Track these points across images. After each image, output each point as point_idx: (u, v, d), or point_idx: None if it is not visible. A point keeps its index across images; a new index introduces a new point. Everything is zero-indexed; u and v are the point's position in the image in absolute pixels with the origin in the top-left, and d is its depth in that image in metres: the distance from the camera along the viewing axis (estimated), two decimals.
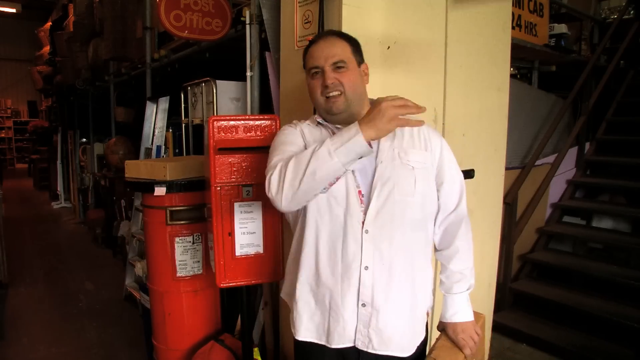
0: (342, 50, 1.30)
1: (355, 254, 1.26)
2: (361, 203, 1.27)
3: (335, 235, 1.29)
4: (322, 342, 1.35)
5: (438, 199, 1.36)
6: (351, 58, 1.31)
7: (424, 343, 1.40)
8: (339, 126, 1.33)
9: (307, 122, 1.43)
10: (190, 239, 2.17)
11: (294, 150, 1.29)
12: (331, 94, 1.29)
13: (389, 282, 1.27)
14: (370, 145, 1.12)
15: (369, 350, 1.31)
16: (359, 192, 1.27)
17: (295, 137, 1.37)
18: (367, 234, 1.26)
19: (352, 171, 1.27)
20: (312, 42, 1.36)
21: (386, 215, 1.26)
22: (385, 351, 1.30)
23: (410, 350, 1.33)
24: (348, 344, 1.32)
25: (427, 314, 1.41)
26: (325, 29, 1.84)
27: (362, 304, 1.28)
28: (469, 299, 1.38)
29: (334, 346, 1.33)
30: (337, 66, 1.29)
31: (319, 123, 1.39)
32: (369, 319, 1.28)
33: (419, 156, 1.31)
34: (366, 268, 1.26)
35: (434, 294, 1.46)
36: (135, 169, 2.25)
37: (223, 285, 1.77)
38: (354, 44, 1.35)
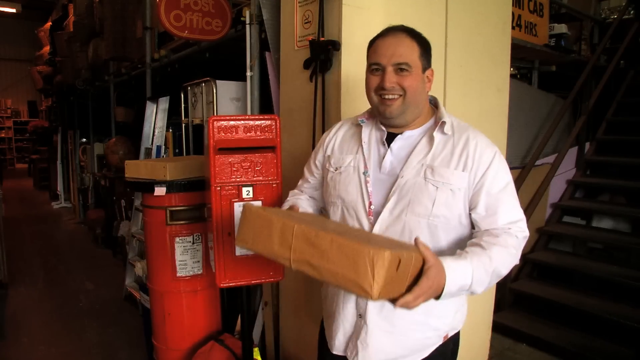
0: (409, 52, 1.19)
1: None
2: (369, 215, 1.23)
3: None
4: (329, 346, 1.37)
5: (476, 223, 1.21)
6: (417, 62, 1.20)
7: None
8: (383, 128, 1.27)
9: (351, 121, 1.40)
10: (190, 239, 2.16)
11: (303, 182, 1.51)
12: (387, 97, 1.20)
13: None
14: None
15: None
16: (369, 203, 1.24)
17: (316, 157, 1.45)
18: None
19: (366, 182, 1.25)
20: (379, 35, 1.24)
21: (395, 232, 1.20)
22: None
23: None
24: (343, 353, 1.33)
25: (445, 337, 1.29)
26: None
27: (358, 315, 1.27)
28: (461, 290, 1.07)
29: (334, 352, 1.34)
30: (400, 68, 1.18)
31: (359, 124, 1.33)
32: (359, 331, 1.27)
33: (449, 176, 1.18)
34: None
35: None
36: (135, 169, 2.25)
37: (223, 285, 1.77)
38: (423, 46, 1.23)
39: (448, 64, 2.09)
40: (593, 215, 4.05)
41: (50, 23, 9.01)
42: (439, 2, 2.04)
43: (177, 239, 2.15)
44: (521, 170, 3.59)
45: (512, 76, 3.03)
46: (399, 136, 1.26)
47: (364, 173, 1.26)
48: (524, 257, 3.73)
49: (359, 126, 1.34)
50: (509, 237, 1.17)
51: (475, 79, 2.25)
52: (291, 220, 1.08)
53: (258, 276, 1.81)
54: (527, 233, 1.22)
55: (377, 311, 1.23)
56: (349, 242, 0.97)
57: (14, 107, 15.77)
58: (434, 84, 2.06)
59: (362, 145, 1.29)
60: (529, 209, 3.65)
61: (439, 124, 1.24)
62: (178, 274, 2.16)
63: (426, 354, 1.27)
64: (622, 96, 4.61)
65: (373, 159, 1.27)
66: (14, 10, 12.97)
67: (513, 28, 3.43)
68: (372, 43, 1.25)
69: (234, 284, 1.78)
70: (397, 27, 1.23)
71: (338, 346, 1.33)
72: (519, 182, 3.45)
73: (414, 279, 0.99)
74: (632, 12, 5.07)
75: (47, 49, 8.72)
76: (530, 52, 3.92)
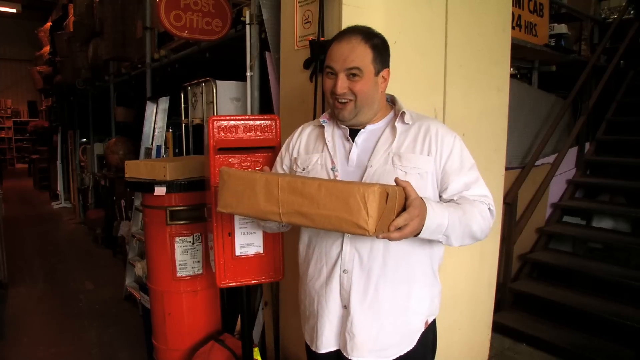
0: (360, 57, 1.22)
1: (337, 258, 1.28)
2: None
3: (322, 240, 1.31)
4: (313, 348, 1.38)
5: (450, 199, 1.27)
6: (369, 67, 1.23)
7: (415, 353, 1.30)
8: (344, 126, 1.33)
9: (313, 123, 1.45)
10: (190, 239, 2.16)
11: None
12: (340, 101, 1.26)
13: (366, 288, 1.25)
14: None
15: (344, 354, 1.30)
16: None
17: (282, 162, 1.48)
18: (347, 238, 1.26)
19: (335, 177, 1.29)
20: (335, 38, 1.28)
21: None
22: (358, 357, 1.27)
23: (386, 358, 1.28)
24: (333, 347, 1.34)
25: (426, 323, 1.33)
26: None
27: (343, 306, 1.29)
28: (438, 229, 1.12)
29: (322, 351, 1.35)
30: (352, 73, 1.22)
31: (321, 124, 1.38)
32: (345, 322, 1.29)
33: (416, 161, 1.24)
34: (345, 271, 1.27)
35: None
36: (135, 169, 2.25)
37: (223, 285, 1.77)
38: (377, 49, 1.25)
39: (448, 64, 2.09)
40: (593, 215, 4.05)
41: (50, 23, 9.02)
42: (439, 2, 2.04)
43: (177, 239, 2.15)
44: (521, 170, 3.58)
45: (512, 76, 3.02)
46: (362, 130, 1.32)
47: (331, 169, 1.31)
48: (524, 257, 3.73)
49: (321, 127, 1.38)
50: (481, 204, 1.24)
51: (475, 79, 2.25)
52: (273, 175, 1.10)
53: (258, 276, 1.81)
54: (495, 210, 1.28)
55: (360, 299, 1.26)
56: (337, 184, 1.01)
57: (14, 107, 15.76)
58: (435, 83, 2.09)
59: (326, 144, 1.34)
60: (529, 209, 3.66)
61: (399, 114, 1.30)
62: (178, 274, 2.16)
63: (413, 342, 1.30)
64: (622, 96, 4.60)
65: (339, 155, 1.32)
66: (14, 10, 12.97)
67: (513, 28, 3.42)
68: (330, 45, 1.28)
69: (234, 284, 1.79)
70: (353, 30, 1.26)
71: (326, 343, 1.34)
72: (519, 182, 3.45)
73: (399, 213, 1.04)
74: (632, 12, 5.07)
75: (47, 49, 8.72)
76: (530, 52, 3.91)
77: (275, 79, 2.29)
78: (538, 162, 3.74)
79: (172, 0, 2.85)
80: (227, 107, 2.74)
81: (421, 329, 1.32)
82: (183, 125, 3.19)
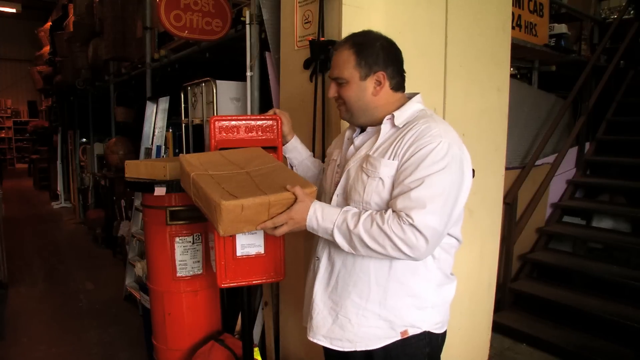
0: (343, 65, 1.28)
1: (316, 245, 1.41)
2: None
3: None
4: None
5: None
6: (352, 73, 1.27)
7: (376, 356, 1.27)
8: (357, 129, 1.40)
9: None
10: (190, 239, 2.16)
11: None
12: (337, 104, 1.36)
13: (329, 278, 1.34)
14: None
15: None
16: (333, 190, 1.38)
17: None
18: None
19: (336, 172, 1.40)
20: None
21: None
22: (313, 339, 1.37)
23: (340, 348, 1.31)
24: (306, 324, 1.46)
25: (404, 333, 1.25)
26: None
27: (314, 290, 1.40)
28: (325, 230, 1.21)
29: (305, 324, 1.44)
30: (338, 82, 1.31)
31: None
32: (309, 307, 1.40)
33: (378, 165, 1.22)
34: (317, 258, 1.39)
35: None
36: (135, 169, 2.24)
37: (224, 285, 1.76)
38: (362, 54, 1.25)
39: (448, 63, 2.10)
40: (593, 215, 4.06)
41: (50, 23, 9.01)
42: (439, 2, 2.04)
43: (177, 239, 2.15)
44: (521, 170, 3.59)
45: (512, 76, 3.03)
46: (362, 132, 1.39)
47: (337, 165, 1.42)
48: (524, 257, 3.73)
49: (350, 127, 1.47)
50: (395, 219, 1.12)
51: (475, 79, 2.25)
52: (195, 168, 1.33)
53: (259, 276, 1.81)
54: (420, 225, 1.10)
55: (323, 287, 1.36)
56: (207, 191, 1.21)
57: (14, 107, 15.77)
58: (435, 82, 2.09)
59: (345, 142, 1.44)
60: (529, 209, 3.66)
61: (390, 117, 1.29)
62: (178, 274, 2.16)
63: (378, 344, 1.27)
64: (622, 96, 4.60)
65: (344, 153, 1.42)
66: (14, 10, 12.97)
67: (513, 28, 3.42)
68: None
69: (234, 284, 1.78)
70: (345, 38, 1.33)
71: (304, 319, 1.45)
72: (519, 182, 3.46)
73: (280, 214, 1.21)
74: (632, 12, 5.07)
75: (47, 49, 8.72)
76: (530, 52, 3.91)
77: (275, 79, 2.29)
78: (538, 162, 3.74)
79: (172, 0, 2.85)
80: (227, 107, 2.74)
81: (393, 337, 1.26)
82: (183, 125, 3.19)
